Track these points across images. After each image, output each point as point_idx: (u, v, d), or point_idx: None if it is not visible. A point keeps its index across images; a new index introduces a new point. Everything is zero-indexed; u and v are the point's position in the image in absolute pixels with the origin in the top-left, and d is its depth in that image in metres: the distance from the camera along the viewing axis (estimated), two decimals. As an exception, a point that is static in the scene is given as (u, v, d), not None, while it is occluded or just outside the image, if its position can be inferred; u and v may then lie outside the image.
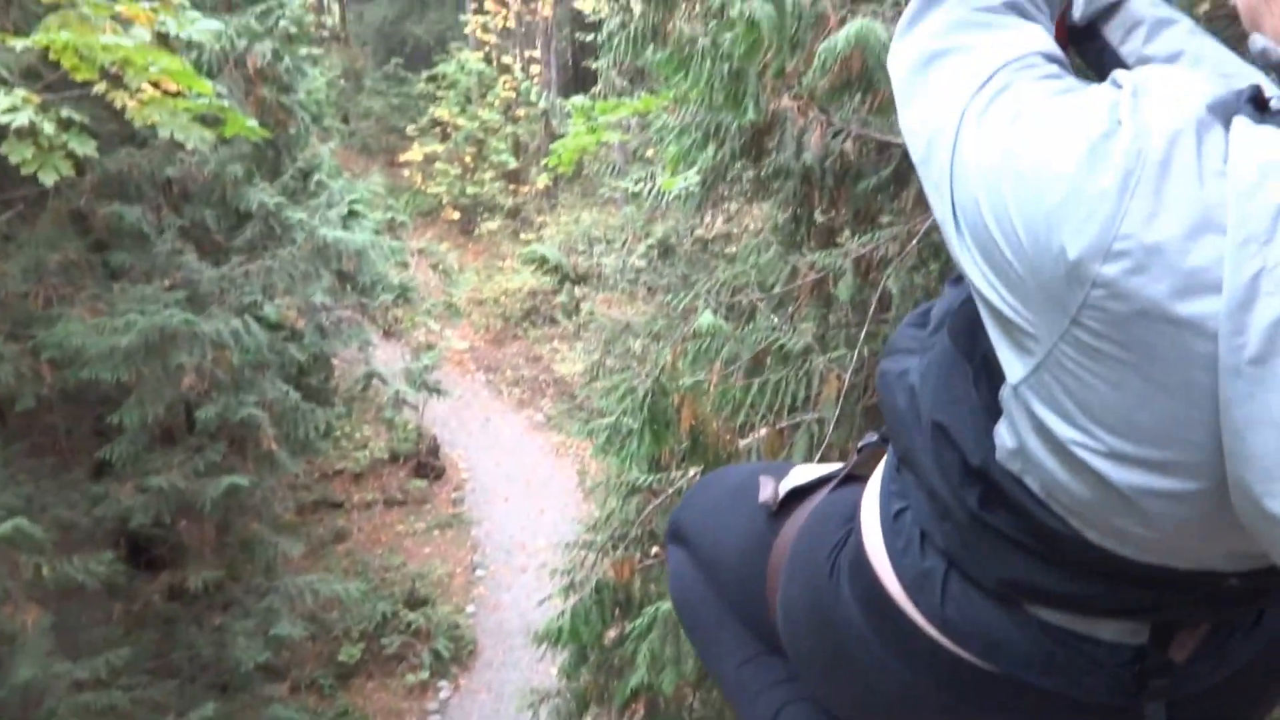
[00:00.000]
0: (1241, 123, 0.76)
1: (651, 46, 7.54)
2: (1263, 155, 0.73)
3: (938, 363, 1.05)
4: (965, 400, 1.00)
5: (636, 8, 7.81)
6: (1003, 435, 0.94)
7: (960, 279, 1.03)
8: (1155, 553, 0.90)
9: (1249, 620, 1.05)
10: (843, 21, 4.75)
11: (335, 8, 29.59)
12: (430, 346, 15.96)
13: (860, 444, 1.36)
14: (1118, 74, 0.84)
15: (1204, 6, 5.04)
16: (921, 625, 1.09)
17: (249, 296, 10.19)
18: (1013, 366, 0.87)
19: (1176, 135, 0.75)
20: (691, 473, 5.36)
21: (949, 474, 1.02)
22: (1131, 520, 0.86)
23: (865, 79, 4.63)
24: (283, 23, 10.60)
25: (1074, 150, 0.78)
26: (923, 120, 0.96)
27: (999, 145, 0.85)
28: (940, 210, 0.91)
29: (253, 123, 6.65)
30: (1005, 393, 0.91)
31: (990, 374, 0.95)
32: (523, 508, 14.89)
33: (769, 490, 1.47)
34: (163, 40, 6.61)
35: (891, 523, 1.14)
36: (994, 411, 0.95)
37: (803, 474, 1.46)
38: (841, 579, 1.19)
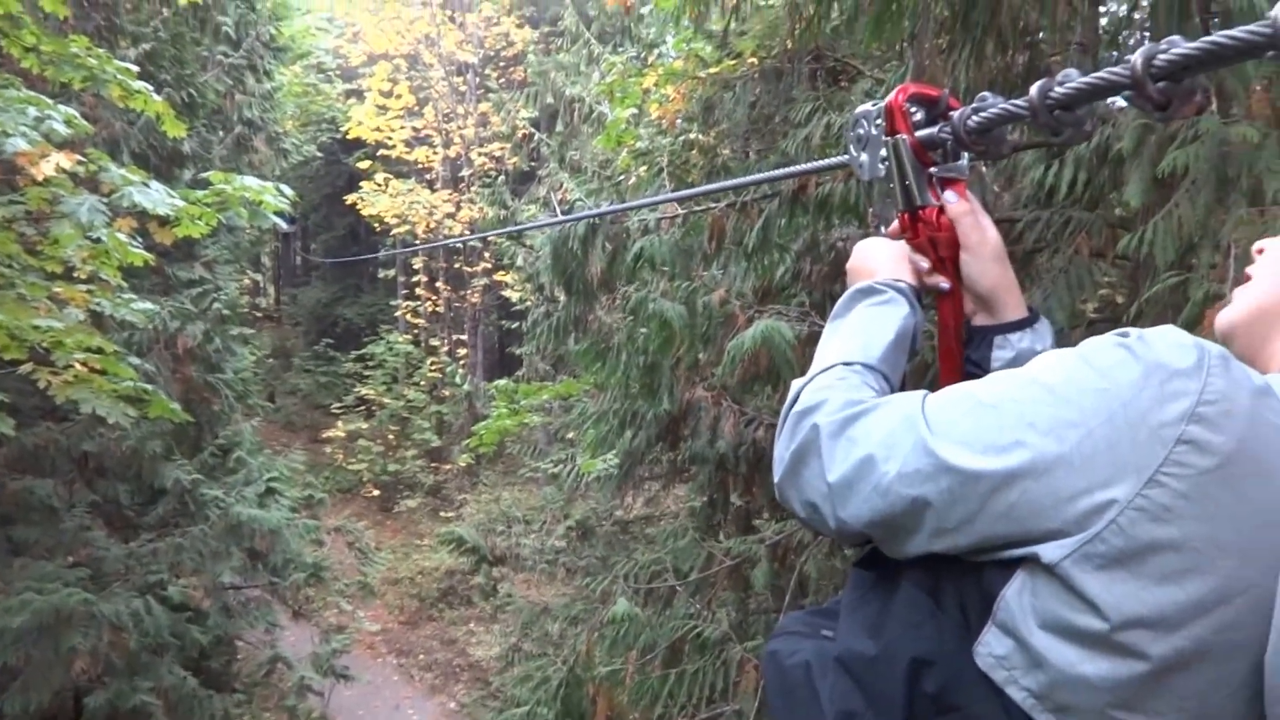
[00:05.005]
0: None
1: (573, 336, 7.84)
2: None
3: (900, 608, 1.06)
4: (934, 630, 1.00)
5: (560, 298, 8.18)
6: (990, 644, 0.94)
7: (863, 561, 1.08)
8: None
9: None
10: (750, 321, 5.02)
11: (271, 290, 30.34)
12: (341, 629, 15.35)
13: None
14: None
15: (1090, 305, 5.43)
16: None
17: (155, 575, 9.82)
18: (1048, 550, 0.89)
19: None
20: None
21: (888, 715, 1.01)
22: (1156, 701, 0.86)
23: (773, 374, 4.81)
24: (217, 305, 10.82)
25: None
26: (861, 450, 1.03)
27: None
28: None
29: (175, 405, 6.67)
30: (1011, 591, 0.92)
31: (963, 600, 0.97)
32: (430, 804, 13.93)
33: None
34: (96, 319, 6.71)
35: None
36: (968, 631, 0.96)
37: None
38: None
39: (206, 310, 10.63)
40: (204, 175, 6.37)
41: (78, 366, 5.96)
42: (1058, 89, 1.07)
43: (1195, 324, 3.43)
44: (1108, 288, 5.48)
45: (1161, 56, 0.94)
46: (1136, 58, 0.96)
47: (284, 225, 7.79)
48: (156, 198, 5.51)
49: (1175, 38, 0.95)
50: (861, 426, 1.05)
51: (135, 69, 5.78)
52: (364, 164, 22.87)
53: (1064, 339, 4.51)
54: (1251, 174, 3.38)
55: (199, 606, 10.99)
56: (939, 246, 1.29)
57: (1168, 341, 0.88)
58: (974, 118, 1.21)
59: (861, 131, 1.34)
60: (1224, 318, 1.09)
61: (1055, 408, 0.89)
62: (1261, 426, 0.83)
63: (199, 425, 10.87)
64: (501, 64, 22.99)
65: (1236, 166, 3.44)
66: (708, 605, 5.66)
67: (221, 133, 13.14)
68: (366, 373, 23.01)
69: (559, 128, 13.10)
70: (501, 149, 21.58)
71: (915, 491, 0.96)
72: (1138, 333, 0.90)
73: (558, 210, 10.58)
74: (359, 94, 23.40)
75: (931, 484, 0.95)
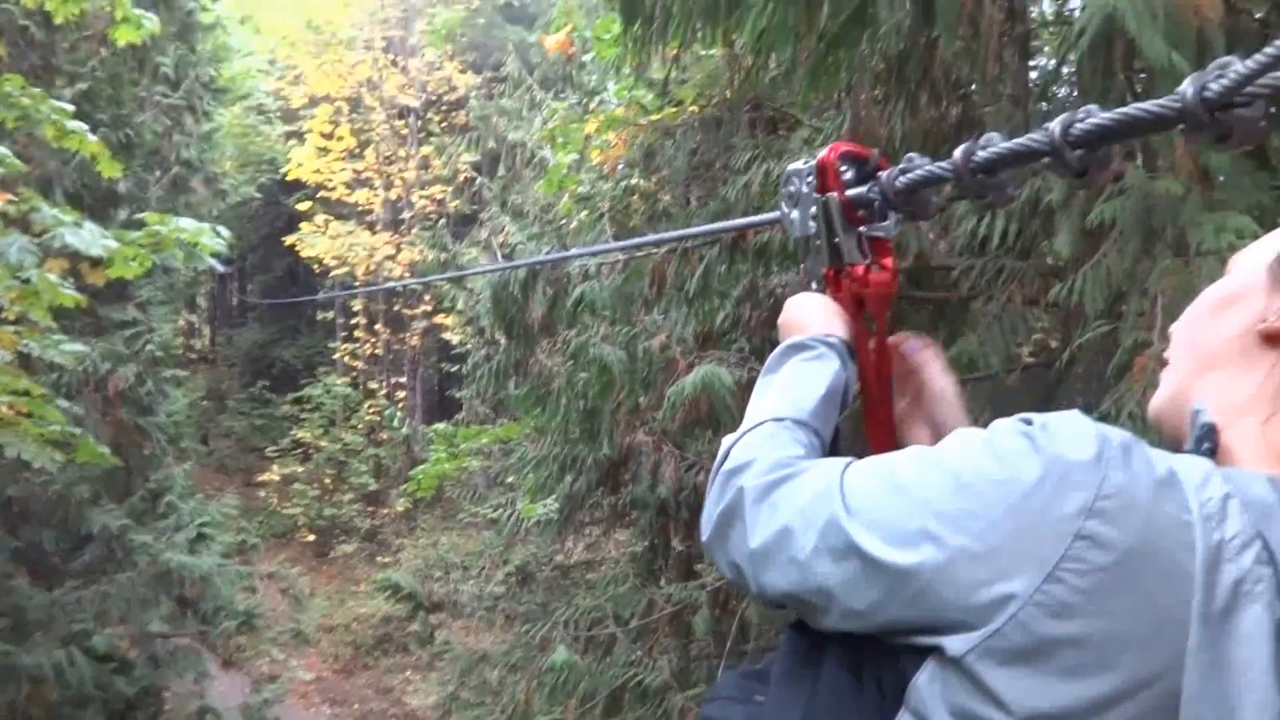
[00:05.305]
0: (1155, 450, 0.89)
1: (514, 380, 7.82)
2: (1201, 465, 0.88)
3: (824, 688, 1.06)
4: (854, 714, 1.00)
5: (501, 342, 8.15)
6: None
7: (797, 623, 1.08)
8: None
9: None
10: (690, 366, 5.05)
11: (206, 330, 29.88)
12: (273, 678, 15.00)
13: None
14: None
15: (1025, 350, 5.53)
16: None
17: (79, 624, 9.54)
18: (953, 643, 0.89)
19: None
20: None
21: None
22: None
23: (714, 419, 4.84)
24: (150, 346, 10.63)
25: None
26: (781, 521, 1.03)
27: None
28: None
29: (104, 449, 6.53)
30: (922, 679, 0.92)
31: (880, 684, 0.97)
32: None
33: None
34: (24, 361, 6.56)
35: None
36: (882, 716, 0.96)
37: None
38: None
39: (139, 352, 10.44)
40: (139, 216, 6.29)
41: (3, 410, 5.82)
42: (980, 153, 1.10)
43: (1125, 370, 3.52)
44: (1041, 333, 5.60)
45: (1079, 125, 0.97)
46: (1055, 126, 0.99)
47: (220, 267, 7.71)
48: (89, 239, 5.43)
49: (1092, 107, 0.98)
50: (785, 492, 1.05)
51: (71, 109, 5.70)
52: (304, 205, 22.68)
53: (999, 384, 4.58)
54: (1176, 226, 3.49)
55: (125, 656, 10.68)
56: (864, 303, 1.31)
57: (1069, 432, 0.88)
58: (901, 179, 1.23)
59: (793, 188, 1.36)
60: (1151, 406, 1.11)
61: (959, 496, 0.89)
62: (1161, 520, 0.83)
63: (129, 469, 10.63)
64: (444, 108, 23.02)
65: (1161, 218, 3.55)
66: (649, 652, 5.63)
67: (158, 173, 12.98)
68: (303, 415, 22.68)
69: (501, 172, 13.13)
70: (443, 192, 21.57)
71: (827, 569, 0.96)
72: (1041, 421, 0.91)
73: (498, 254, 10.58)
74: (300, 135, 23.26)
75: (843, 564, 0.95)
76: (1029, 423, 0.91)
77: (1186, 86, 0.86)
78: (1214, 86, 0.83)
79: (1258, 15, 4.38)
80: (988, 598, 0.85)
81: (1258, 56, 0.79)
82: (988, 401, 4.76)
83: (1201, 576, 0.81)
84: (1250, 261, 1.02)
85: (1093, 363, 4.11)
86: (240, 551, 13.80)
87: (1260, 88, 0.81)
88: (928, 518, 0.90)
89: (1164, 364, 1.12)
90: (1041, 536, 0.84)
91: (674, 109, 7.21)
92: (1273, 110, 0.83)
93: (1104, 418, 3.48)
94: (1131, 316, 3.65)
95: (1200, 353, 1.04)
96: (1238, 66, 0.82)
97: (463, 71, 22.45)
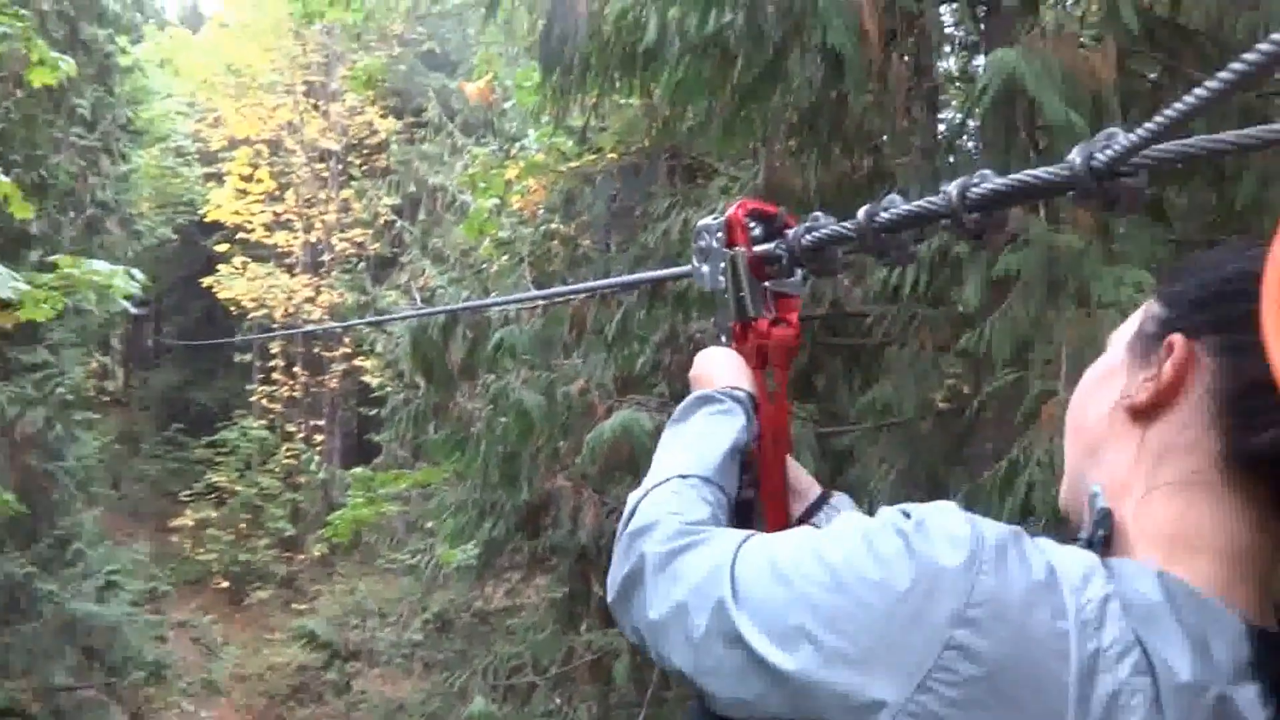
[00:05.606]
0: (1044, 541, 0.86)
1: (433, 424, 7.74)
2: (1084, 561, 0.83)
3: None
4: None
5: (420, 385, 8.07)
6: None
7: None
8: None
9: None
10: (610, 411, 5.05)
11: (120, 372, 29.08)
12: (184, 731, 14.54)
13: None
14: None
15: (938, 396, 5.63)
16: None
17: (-22, 679, 9.16)
18: None
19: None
20: None
21: None
22: None
23: (634, 463, 4.83)
24: (60, 389, 10.33)
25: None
26: (675, 595, 1.02)
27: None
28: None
29: (9, 495, 6.31)
30: None
31: None
32: None
33: None
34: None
35: None
36: None
37: None
38: None
39: (49, 395, 10.15)
40: (52, 258, 6.14)
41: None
42: (883, 214, 1.12)
43: (1033, 418, 3.60)
44: (954, 379, 5.70)
45: (975, 189, 0.99)
46: (952, 189, 1.01)
47: (134, 309, 7.53)
48: (-2, 281, 5.27)
49: (987, 172, 1.00)
50: (685, 563, 1.03)
51: (-21, 149, 5.57)
52: (222, 247, 22.32)
53: (913, 429, 4.65)
54: (1078, 278, 3.60)
55: (27, 710, 10.27)
56: (768, 355, 1.33)
57: (942, 533, 0.85)
58: (807, 237, 1.26)
59: (704, 243, 1.38)
60: (1060, 499, 1.09)
61: (836, 595, 0.87)
62: (1035, 628, 0.80)
63: (35, 515, 10.27)
64: (365, 151, 22.88)
65: (1064, 270, 3.66)
66: (568, 701, 5.58)
67: (73, 214, 12.72)
68: (218, 459, 22.17)
69: (421, 215, 13.08)
70: (363, 235, 21.40)
71: (719, 654, 0.95)
72: (919, 517, 0.88)
73: (418, 297, 10.51)
74: (219, 177, 22.94)
75: (732, 651, 0.93)
76: (908, 516, 0.89)
77: (1075, 155, 0.87)
78: (1100, 156, 0.85)
79: (1150, 77, 4.57)
80: (861, 702, 0.82)
81: (1140, 130, 0.80)
82: (903, 448, 4.83)
83: (1075, 689, 0.78)
84: (1118, 338, 1.02)
85: (1003, 410, 4.20)
86: (151, 599, 13.44)
87: (1145, 159, 0.84)
88: (806, 615, 0.88)
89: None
90: (913, 644, 0.81)
91: (593, 156, 7.27)
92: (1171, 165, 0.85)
93: (1013, 464, 3.55)
94: (1038, 365, 3.75)
95: (1084, 434, 1.03)
96: (1121, 139, 0.84)
97: (384, 116, 22.36)
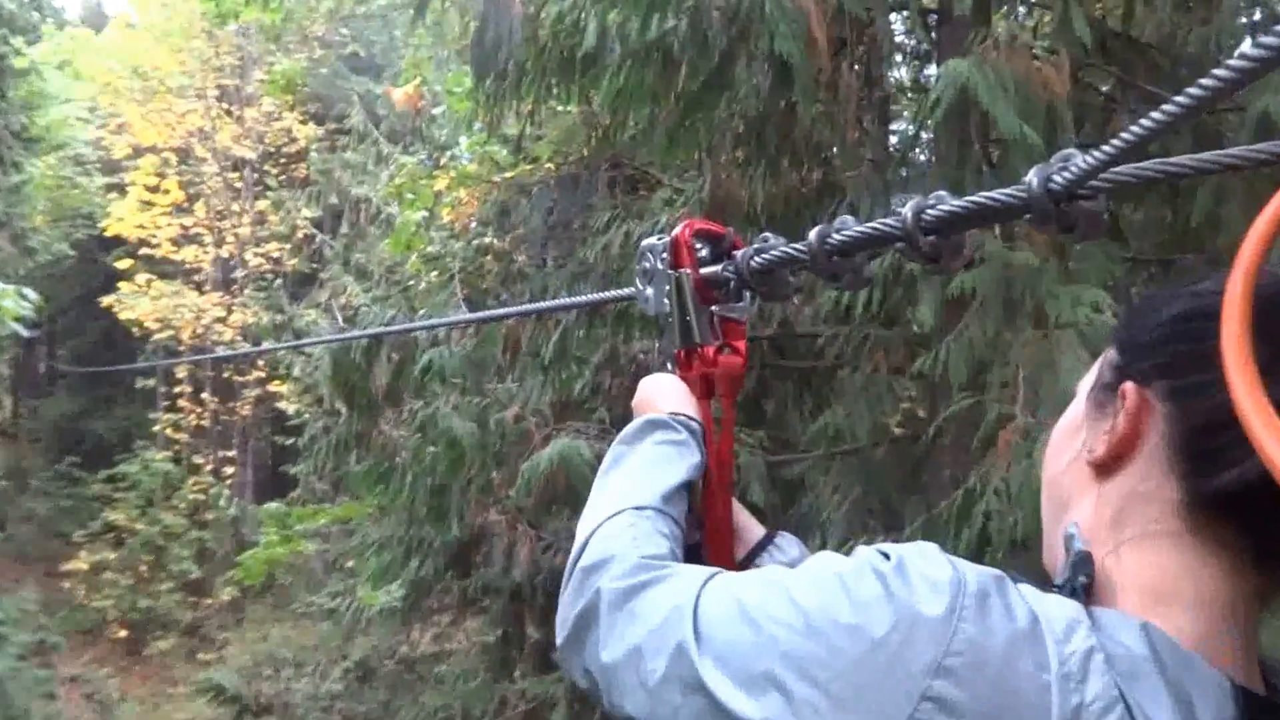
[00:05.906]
0: (1026, 587, 0.86)
1: (355, 454, 7.66)
2: (1068, 611, 0.84)
3: None
4: None
5: (341, 412, 7.99)
6: None
7: None
8: None
9: None
10: (547, 439, 5.04)
11: (8, 401, 28.43)
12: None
13: None
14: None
15: (894, 420, 5.70)
16: None
17: None
18: None
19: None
20: None
21: None
22: None
23: (573, 495, 4.83)
24: (-63, 420, 10.08)
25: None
26: (635, 636, 1.01)
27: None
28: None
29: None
30: None
31: None
32: None
33: None
34: None
35: None
36: None
37: None
38: None
39: (-74, 427, 9.87)
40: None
41: None
42: (835, 236, 1.14)
43: (991, 444, 3.67)
44: (909, 402, 5.78)
45: (930, 212, 1.01)
46: (907, 211, 1.03)
47: (25, 331, 7.39)
48: None
49: (943, 194, 1.02)
50: (644, 601, 1.03)
51: None
52: (124, 263, 21.99)
53: (867, 456, 4.70)
54: (1034, 297, 3.68)
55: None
56: (714, 384, 1.34)
57: (923, 578, 0.85)
58: (756, 259, 1.27)
59: (648, 264, 1.39)
60: (1044, 560, 1.09)
61: (807, 640, 0.87)
62: (1016, 680, 0.79)
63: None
64: (282, 160, 22.71)
65: (1020, 289, 3.74)
66: (501, 751, 5.54)
67: (-44, 227, 12.43)
68: (117, 495, 21.76)
69: (344, 229, 13.00)
70: (280, 250, 21.20)
71: (676, 702, 0.94)
72: (898, 558, 0.88)
73: (339, 316, 10.42)
74: (121, 188, 22.62)
75: (691, 699, 0.93)
76: (887, 557, 0.89)
77: (1032, 177, 0.90)
78: (1058, 179, 0.88)
79: (1103, 89, 4.71)
80: None
81: (1098, 153, 0.83)
82: (856, 477, 4.88)
83: None
84: (1081, 389, 1.04)
85: (960, 435, 4.27)
86: (39, 652, 13.11)
87: (1103, 182, 0.86)
88: (775, 660, 0.88)
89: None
90: (888, 694, 0.81)
91: (529, 166, 7.28)
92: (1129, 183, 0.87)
93: (970, 493, 3.61)
94: (995, 388, 3.82)
95: (1054, 489, 1.04)
96: (1079, 160, 0.86)
97: (304, 122, 22.23)
